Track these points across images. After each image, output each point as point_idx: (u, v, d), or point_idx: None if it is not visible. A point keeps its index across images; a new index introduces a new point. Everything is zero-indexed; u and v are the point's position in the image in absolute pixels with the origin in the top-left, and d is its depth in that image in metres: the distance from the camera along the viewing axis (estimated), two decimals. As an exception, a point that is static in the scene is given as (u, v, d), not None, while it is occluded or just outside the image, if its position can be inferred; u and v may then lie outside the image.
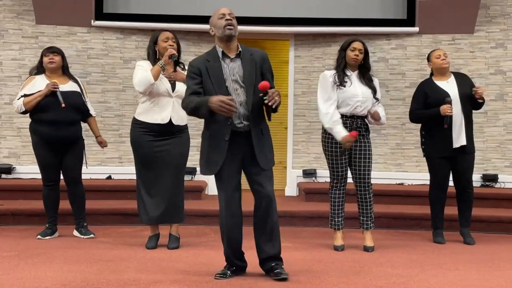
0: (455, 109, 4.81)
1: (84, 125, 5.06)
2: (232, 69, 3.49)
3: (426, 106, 4.91)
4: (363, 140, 4.55)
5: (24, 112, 4.81)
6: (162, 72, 4.45)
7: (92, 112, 5.06)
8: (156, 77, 4.39)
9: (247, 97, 3.46)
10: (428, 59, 5.07)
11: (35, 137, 4.81)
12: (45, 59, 4.81)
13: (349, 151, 4.52)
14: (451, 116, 4.75)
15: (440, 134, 4.85)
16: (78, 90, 4.88)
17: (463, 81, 4.97)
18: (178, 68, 4.58)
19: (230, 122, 3.43)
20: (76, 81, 4.93)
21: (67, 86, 4.82)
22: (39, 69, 4.87)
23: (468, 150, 4.88)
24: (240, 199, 3.61)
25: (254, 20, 7.07)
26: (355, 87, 4.51)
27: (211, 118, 3.45)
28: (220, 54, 3.52)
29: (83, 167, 4.98)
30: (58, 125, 4.70)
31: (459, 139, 4.85)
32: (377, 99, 4.59)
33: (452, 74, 5.03)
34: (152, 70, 4.40)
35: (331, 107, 4.46)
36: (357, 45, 4.54)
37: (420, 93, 5.01)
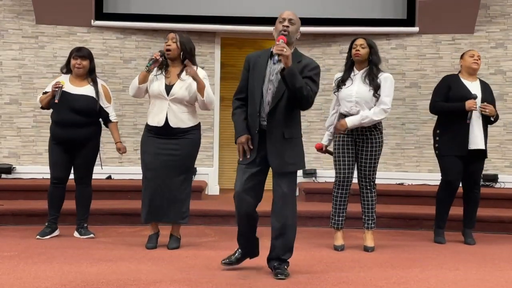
0: (476, 113, 4.83)
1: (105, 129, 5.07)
2: (273, 70, 3.60)
3: (447, 100, 4.90)
4: (369, 139, 4.54)
5: (42, 108, 4.92)
6: (164, 72, 4.46)
7: (112, 117, 4.96)
8: (141, 81, 4.44)
9: (273, 98, 3.54)
10: (462, 56, 5.10)
11: (50, 135, 4.90)
12: (73, 62, 4.82)
13: (354, 150, 4.58)
14: (472, 113, 4.78)
15: (458, 132, 4.84)
16: (92, 94, 4.84)
17: (486, 89, 4.98)
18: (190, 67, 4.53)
19: (259, 114, 3.57)
20: (95, 85, 4.89)
21: (82, 89, 4.82)
22: (67, 67, 4.90)
23: (484, 155, 4.92)
24: (260, 192, 3.65)
25: (254, 20, 7.08)
26: (352, 87, 4.51)
27: (249, 112, 3.63)
28: (269, 53, 3.65)
29: (99, 168, 5.01)
30: (64, 125, 4.75)
31: (475, 142, 4.84)
32: (376, 97, 4.49)
33: (478, 80, 5.03)
34: (139, 76, 4.47)
35: (331, 110, 4.78)
36: (357, 41, 4.59)
37: (443, 85, 5.00)
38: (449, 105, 4.88)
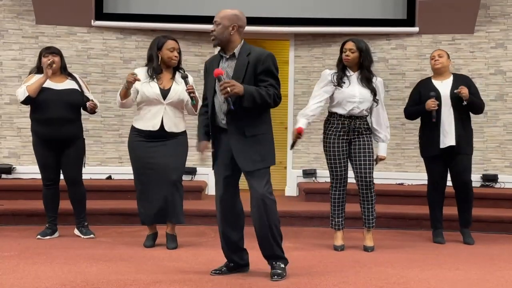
0: (445, 109, 4.86)
1: (84, 126, 5.05)
2: (224, 68, 3.56)
3: (421, 102, 4.93)
4: (363, 139, 4.55)
5: (26, 100, 4.69)
6: (155, 78, 4.47)
7: (95, 101, 4.96)
8: (123, 97, 4.46)
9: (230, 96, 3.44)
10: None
11: (34, 136, 4.85)
12: (44, 60, 4.79)
13: (347, 151, 4.55)
14: (438, 111, 4.82)
15: (429, 133, 4.93)
16: (76, 87, 4.87)
17: (460, 82, 4.94)
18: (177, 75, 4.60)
19: (215, 114, 3.59)
20: (74, 79, 4.93)
21: (64, 84, 4.84)
22: (39, 69, 4.87)
23: (458, 151, 4.88)
24: (234, 197, 3.64)
25: (254, 20, 7.03)
26: (353, 88, 4.51)
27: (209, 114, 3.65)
28: (219, 55, 3.65)
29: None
30: (53, 123, 4.72)
31: (447, 139, 4.86)
32: (376, 101, 4.56)
33: (452, 75, 5.05)
34: (120, 92, 4.47)
35: (313, 101, 4.53)
36: (347, 45, 4.57)
37: (415, 91, 5.12)
38: (414, 109, 5.02)
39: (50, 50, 4.87)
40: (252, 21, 6.92)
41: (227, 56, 3.59)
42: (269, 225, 3.52)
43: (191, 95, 4.40)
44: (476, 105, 4.93)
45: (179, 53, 4.61)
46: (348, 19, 7.23)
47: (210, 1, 7.20)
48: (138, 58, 7.15)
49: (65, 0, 6.98)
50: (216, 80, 3.47)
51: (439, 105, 4.83)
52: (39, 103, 4.73)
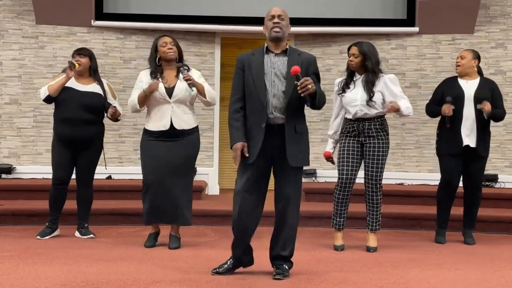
0: (468, 110, 4.85)
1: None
2: (274, 63, 3.57)
3: (441, 102, 4.92)
4: (376, 142, 4.53)
5: (47, 99, 4.75)
6: (160, 77, 4.48)
7: (119, 109, 4.97)
8: (142, 104, 4.48)
9: (286, 91, 3.50)
10: None
11: (54, 135, 4.88)
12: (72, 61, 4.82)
13: (359, 152, 4.58)
14: (452, 118, 4.79)
15: (451, 131, 4.86)
16: (100, 92, 4.88)
17: (485, 86, 4.94)
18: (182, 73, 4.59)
19: (266, 108, 3.51)
20: (100, 84, 4.93)
21: (88, 87, 4.85)
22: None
23: (476, 152, 4.88)
24: (264, 193, 3.62)
25: (254, 20, 7.04)
26: (356, 92, 4.54)
27: (249, 109, 3.56)
28: (265, 49, 3.62)
29: (103, 168, 4.98)
30: (71, 123, 4.74)
31: (468, 139, 4.85)
32: (371, 104, 4.52)
33: (479, 77, 5.01)
34: (138, 98, 4.46)
35: (332, 118, 4.75)
36: (351, 50, 4.63)
37: (439, 89, 5.09)
38: (433, 109, 5.03)
39: (80, 52, 4.89)
40: (252, 21, 7.01)
41: (278, 52, 3.59)
42: (293, 227, 3.60)
43: (188, 82, 4.42)
44: (498, 116, 4.95)
45: (177, 46, 4.61)
46: (348, 19, 7.23)
47: (210, 1, 7.21)
48: (138, 58, 7.15)
49: (65, 0, 6.98)
50: (295, 78, 3.43)
51: (455, 110, 4.80)
52: (59, 102, 4.78)
